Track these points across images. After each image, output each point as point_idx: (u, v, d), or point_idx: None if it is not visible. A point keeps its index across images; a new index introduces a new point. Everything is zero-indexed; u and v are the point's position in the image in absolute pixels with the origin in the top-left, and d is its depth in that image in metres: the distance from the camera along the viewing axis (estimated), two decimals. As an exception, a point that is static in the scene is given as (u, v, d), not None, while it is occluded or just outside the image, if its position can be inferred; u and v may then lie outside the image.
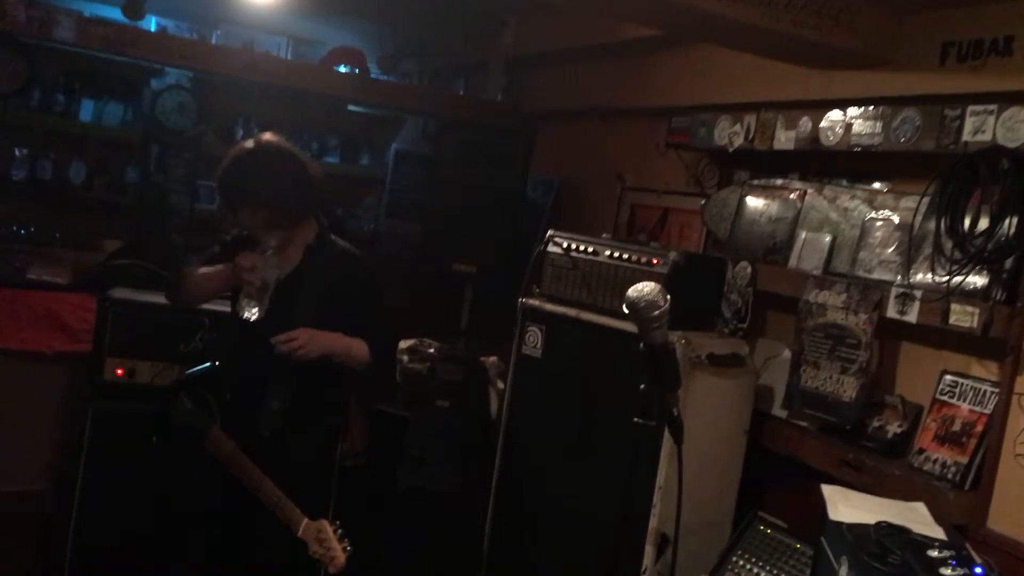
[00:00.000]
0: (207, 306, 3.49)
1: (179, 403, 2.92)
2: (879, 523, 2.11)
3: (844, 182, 3.27)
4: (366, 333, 2.93)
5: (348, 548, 2.58)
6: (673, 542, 2.53)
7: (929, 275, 2.71)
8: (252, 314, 2.80)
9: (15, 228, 4.50)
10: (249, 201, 2.78)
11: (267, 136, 2.89)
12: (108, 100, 4.85)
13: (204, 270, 2.95)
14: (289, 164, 2.83)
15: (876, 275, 2.95)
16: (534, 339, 3.37)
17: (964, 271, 2.58)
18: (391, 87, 5.25)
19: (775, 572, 2.68)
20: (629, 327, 2.44)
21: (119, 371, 3.48)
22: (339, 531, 2.61)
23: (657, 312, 2.21)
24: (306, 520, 2.64)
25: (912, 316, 2.69)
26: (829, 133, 3.14)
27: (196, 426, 2.85)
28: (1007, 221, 2.51)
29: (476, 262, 4.50)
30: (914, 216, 2.80)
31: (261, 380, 2.86)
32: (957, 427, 2.67)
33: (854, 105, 3.05)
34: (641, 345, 2.25)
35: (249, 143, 2.86)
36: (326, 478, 3.16)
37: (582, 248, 3.26)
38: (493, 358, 3.97)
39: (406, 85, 5.50)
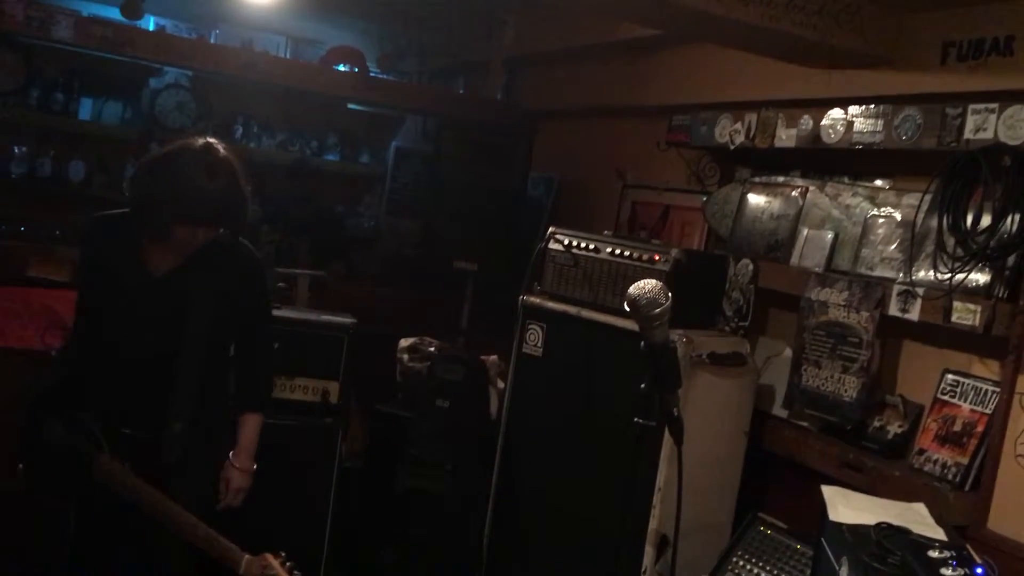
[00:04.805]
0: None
1: (49, 426, 2.64)
2: (879, 524, 2.11)
3: (846, 179, 3.26)
4: (249, 339, 2.85)
5: None
6: (673, 543, 2.52)
7: (931, 273, 2.69)
8: None
9: (15, 225, 4.50)
10: None
11: None
12: (107, 99, 4.85)
13: None
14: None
15: (878, 272, 2.94)
16: (535, 338, 3.36)
17: (966, 268, 2.57)
18: (391, 86, 5.24)
19: (775, 573, 2.67)
20: (630, 325, 2.43)
21: (118, 370, 3.46)
22: (287, 563, 2.33)
23: (658, 310, 2.20)
24: (247, 557, 2.36)
25: (914, 314, 2.68)
26: (830, 131, 3.12)
27: (78, 453, 2.58)
28: (1009, 218, 2.49)
29: (476, 260, 4.49)
30: (916, 213, 2.79)
31: (154, 395, 2.61)
32: (958, 427, 2.66)
33: (855, 103, 3.04)
34: (642, 344, 2.24)
35: None
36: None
37: (583, 245, 3.25)
38: (493, 357, 3.96)
39: (406, 84, 5.49)
